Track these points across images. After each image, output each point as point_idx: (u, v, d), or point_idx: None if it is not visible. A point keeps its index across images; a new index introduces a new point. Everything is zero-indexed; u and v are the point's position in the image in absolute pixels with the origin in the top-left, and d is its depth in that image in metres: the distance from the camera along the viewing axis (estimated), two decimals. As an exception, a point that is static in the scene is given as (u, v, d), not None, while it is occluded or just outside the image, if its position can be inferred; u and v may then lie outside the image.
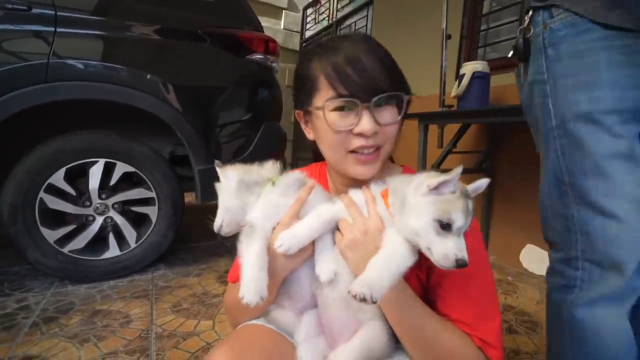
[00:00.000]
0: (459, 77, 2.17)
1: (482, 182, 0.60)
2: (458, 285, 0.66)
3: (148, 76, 1.83)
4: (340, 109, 0.69)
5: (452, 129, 2.37)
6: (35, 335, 1.40)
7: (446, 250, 0.54)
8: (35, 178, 1.71)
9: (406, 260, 0.58)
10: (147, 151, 1.92)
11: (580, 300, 0.74)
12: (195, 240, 2.57)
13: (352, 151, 0.71)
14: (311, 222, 0.67)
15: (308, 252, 0.69)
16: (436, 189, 0.57)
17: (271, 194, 0.71)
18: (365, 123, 0.67)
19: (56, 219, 1.84)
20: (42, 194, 1.73)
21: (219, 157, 2.07)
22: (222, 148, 2.10)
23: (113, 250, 1.90)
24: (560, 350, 0.79)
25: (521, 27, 0.81)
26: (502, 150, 2.36)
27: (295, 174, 0.76)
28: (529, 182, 2.18)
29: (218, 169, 0.74)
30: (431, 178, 0.57)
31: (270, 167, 0.76)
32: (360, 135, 0.69)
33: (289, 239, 0.64)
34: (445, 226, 0.55)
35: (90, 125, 1.89)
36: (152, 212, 1.96)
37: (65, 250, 1.80)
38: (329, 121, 0.70)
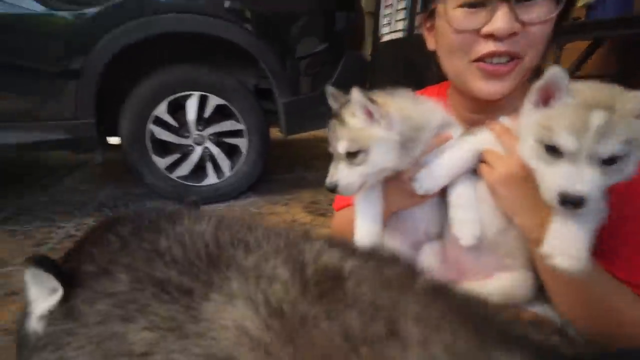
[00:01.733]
0: (594, -23, 1.71)
1: None
2: (625, 241, 0.53)
3: (226, 3, 1.78)
4: (470, 5, 0.55)
5: (574, 50, 1.95)
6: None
7: (549, 180, 0.42)
8: (143, 110, 1.88)
9: (601, 212, 0.46)
10: (235, 83, 1.96)
11: None
12: (278, 173, 2.70)
13: (479, 60, 0.57)
14: (451, 157, 0.58)
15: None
16: (543, 102, 0.44)
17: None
18: (500, 20, 0.52)
19: (164, 148, 2.05)
20: (150, 126, 1.91)
21: (299, 89, 2.03)
22: (302, 80, 2.04)
23: (211, 178, 2.09)
24: None
25: None
26: (638, 74, 1.89)
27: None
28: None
29: (360, 97, 0.53)
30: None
31: (410, 99, 0.60)
32: (491, 37, 0.54)
33: (428, 181, 0.57)
34: (551, 149, 0.42)
35: (175, 60, 1.92)
36: (242, 143, 2.06)
37: (174, 176, 2.03)
38: (451, 18, 0.56)
